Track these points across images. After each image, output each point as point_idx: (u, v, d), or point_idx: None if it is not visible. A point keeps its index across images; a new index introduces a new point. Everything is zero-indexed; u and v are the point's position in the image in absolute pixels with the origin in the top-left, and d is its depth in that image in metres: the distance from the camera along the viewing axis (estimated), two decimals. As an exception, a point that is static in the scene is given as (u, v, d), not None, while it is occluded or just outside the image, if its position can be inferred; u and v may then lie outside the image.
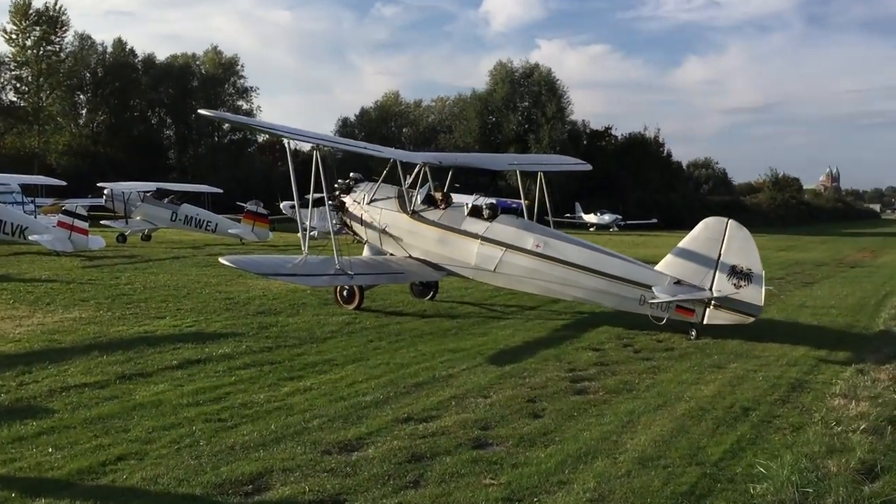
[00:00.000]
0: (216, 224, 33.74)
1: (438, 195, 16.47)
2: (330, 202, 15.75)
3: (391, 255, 16.55)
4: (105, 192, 34.10)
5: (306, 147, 13.24)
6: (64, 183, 34.02)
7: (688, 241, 13.61)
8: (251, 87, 78.14)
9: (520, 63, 78.53)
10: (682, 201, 75.92)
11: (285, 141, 14.50)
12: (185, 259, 25.99)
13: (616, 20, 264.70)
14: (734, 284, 12.88)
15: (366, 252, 16.92)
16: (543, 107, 73.84)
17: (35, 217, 30.22)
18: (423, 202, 16.36)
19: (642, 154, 78.78)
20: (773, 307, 16.92)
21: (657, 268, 13.81)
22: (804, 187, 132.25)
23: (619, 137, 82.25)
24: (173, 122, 75.65)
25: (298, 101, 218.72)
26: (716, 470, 7.01)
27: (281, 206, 39.16)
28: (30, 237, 24.77)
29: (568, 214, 61.64)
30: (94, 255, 25.21)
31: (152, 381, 9.69)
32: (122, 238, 32.30)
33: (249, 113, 73.41)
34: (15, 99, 67.42)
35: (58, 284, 18.25)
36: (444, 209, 16.03)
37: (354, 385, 9.74)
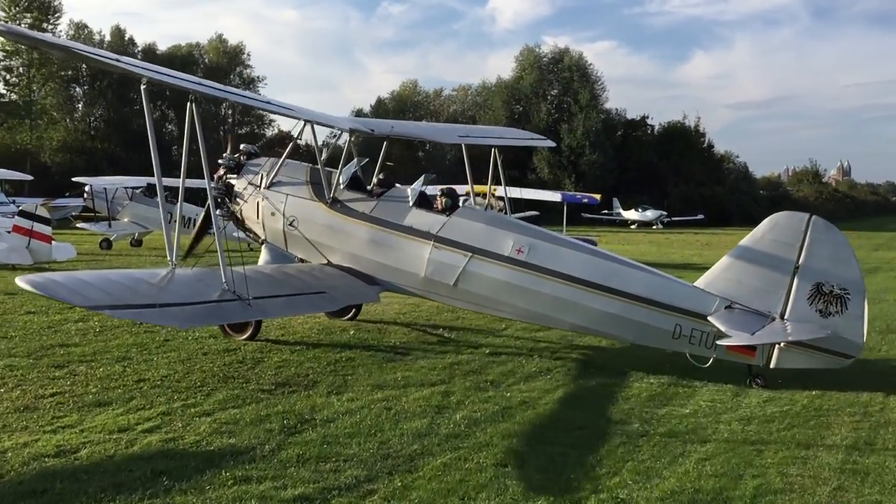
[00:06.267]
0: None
1: (375, 179, 11.86)
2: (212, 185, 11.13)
3: (300, 260, 11.78)
4: (85, 188, 28.29)
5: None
6: (29, 177, 28.07)
7: (747, 245, 9.86)
8: (258, 77, 73.08)
9: (548, 48, 73.00)
10: (728, 195, 69.62)
11: (141, 86, 9.14)
12: (178, 273, 20.06)
13: (622, 16, 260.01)
14: (819, 311, 9.19)
15: (264, 257, 12.04)
16: (576, 94, 68.25)
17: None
18: (347, 187, 11.59)
19: (683, 145, 72.69)
20: None
21: (699, 283, 9.96)
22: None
23: (657, 127, 76.20)
24: (175, 116, 70.45)
25: (308, 98, 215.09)
26: None
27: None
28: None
29: (605, 211, 56.12)
30: (61, 268, 19.50)
31: None
32: (106, 244, 26.65)
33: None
34: (4, 91, 62.21)
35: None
36: (378, 196, 11.46)
37: None
